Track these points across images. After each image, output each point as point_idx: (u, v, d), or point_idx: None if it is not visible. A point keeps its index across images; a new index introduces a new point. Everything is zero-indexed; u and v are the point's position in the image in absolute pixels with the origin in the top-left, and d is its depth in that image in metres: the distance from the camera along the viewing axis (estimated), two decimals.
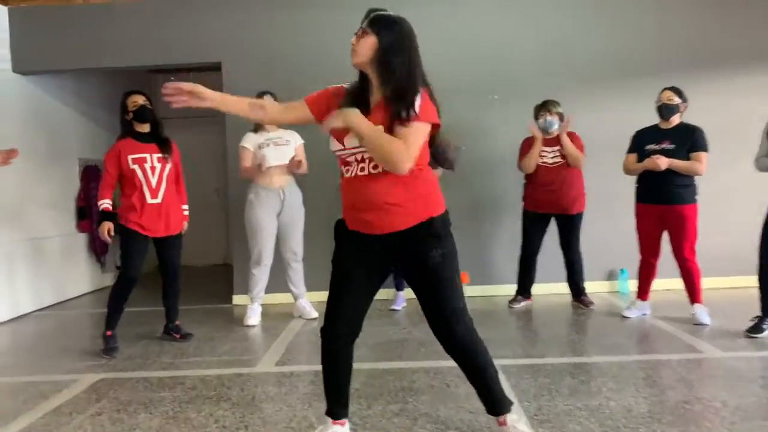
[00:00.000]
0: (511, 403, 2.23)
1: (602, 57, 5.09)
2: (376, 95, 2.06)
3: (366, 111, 2.02)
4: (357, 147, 2.03)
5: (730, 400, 2.57)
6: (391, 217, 2.04)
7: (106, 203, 3.69)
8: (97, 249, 6.24)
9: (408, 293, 4.87)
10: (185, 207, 4.01)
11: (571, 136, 4.47)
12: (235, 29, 5.10)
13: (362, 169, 2.05)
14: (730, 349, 3.32)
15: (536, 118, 4.55)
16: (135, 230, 3.70)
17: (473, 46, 5.10)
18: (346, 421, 2.26)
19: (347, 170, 2.10)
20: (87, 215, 6.08)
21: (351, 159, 2.07)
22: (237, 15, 5.09)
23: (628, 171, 4.15)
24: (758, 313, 3.57)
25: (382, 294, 3.59)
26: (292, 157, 4.26)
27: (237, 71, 5.08)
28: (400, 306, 4.70)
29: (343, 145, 2.06)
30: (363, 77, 2.09)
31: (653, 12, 5.09)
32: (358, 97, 2.08)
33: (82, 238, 6.12)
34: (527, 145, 4.56)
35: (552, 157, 4.47)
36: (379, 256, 2.11)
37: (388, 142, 1.95)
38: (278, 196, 4.35)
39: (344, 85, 2.16)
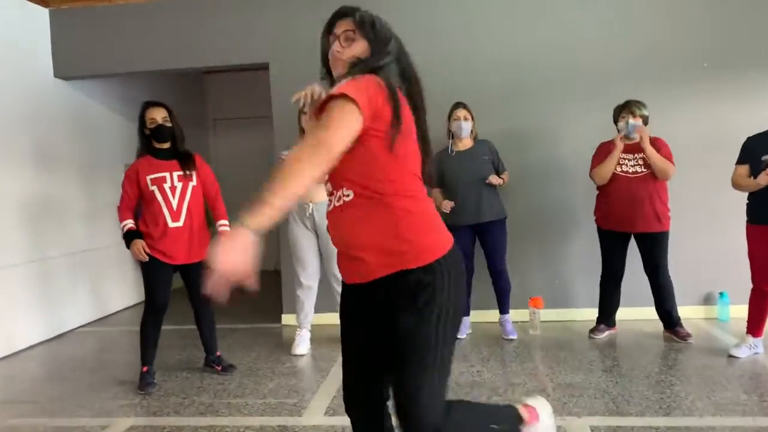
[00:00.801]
0: None
1: (692, 50, 4.39)
2: None
3: None
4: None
5: None
6: (356, 263, 1.58)
7: (129, 223, 3.36)
8: None
9: (474, 316, 4.39)
10: (225, 222, 3.57)
11: (657, 142, 3.85)
12: (282, 29, 4.69)
13: (337, 199, 1.62)
14: None
15: (616, 121, 3.95)
16: (156, 258, 3.34)
17: (546, 40, 4.51)
18: None
19: (329, 202, 1.68)
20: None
21: (329, 188, 1.67)
22: (284, 15, 4.68)
23: (738, 186, 3.50)
24: None
25: None
26: None
27: (284, 71, 4.68)
28: (464, 334, 4.20)
29: None
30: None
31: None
32: None
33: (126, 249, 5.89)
34: (603, 150, 3.97)
35: (633, 166, 3.86)
36: (369, 309, 1.64)
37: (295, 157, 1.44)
38: (305, 210, 3.92)
39: None
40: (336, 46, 1.66)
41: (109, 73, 5.09)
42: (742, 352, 3.52)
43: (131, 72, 5.09)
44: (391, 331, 1.56)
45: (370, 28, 1.65)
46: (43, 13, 4.86)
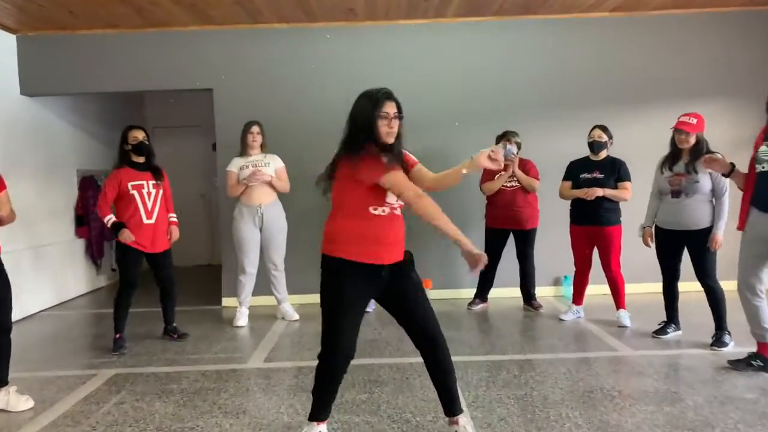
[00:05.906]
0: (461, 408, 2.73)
1: (545, 102, 5.82)
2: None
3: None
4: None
5: (625, 390, 3.29)
6: (399, 250, 2.63)
7: (112, 218, 4.23)
8: (94, 253, 6.78)
9: None
10: (173, 215, 4.55)
11: (527, 164, 5.13)
12: (224, 60, 5.69)
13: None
14: (639, 348, 4.06)
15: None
16: (131, 246, 4.24)
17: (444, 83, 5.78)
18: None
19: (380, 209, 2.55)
20: (84, 222, 6.62)
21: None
22: (226, 47, 5.67)
23: (563, 196, 4.81)
24: (665, 318, 4.31)
25: None
26: (254, 172, 4.80)
27: (226, 96, 5.69)
28: (371, 308, 5.34)
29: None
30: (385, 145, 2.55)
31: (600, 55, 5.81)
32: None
33: (79, 244, 6.65)
34: (488, 170, 5.19)
35: (509, 181, 5.13)
36: (380, 282, 2.55)
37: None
38: (256, 212, 4.91)
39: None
40: (394, 126, 2.49)
41: (69, 92, 5.94)
42: (568, 317, 4.86)
43: (87, 92, 5.92)
44: (411, 280, 2.67)
45: (401, 112, 2.51)
46: (10, 39, 5.60)
